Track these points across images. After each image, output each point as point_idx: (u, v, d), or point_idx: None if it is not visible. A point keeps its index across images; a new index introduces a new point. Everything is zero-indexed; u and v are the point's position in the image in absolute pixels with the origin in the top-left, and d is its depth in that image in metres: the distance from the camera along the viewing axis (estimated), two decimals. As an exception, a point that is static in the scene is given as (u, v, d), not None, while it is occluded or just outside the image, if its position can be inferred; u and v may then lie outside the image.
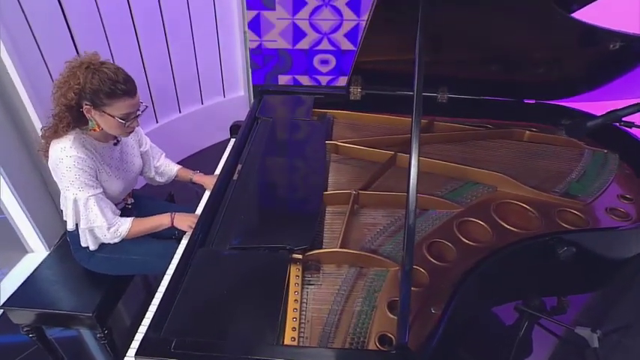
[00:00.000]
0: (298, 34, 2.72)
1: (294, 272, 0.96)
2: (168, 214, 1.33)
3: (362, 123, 1.72)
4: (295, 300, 0.90)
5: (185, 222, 1.31)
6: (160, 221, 1.33)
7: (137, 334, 0.94)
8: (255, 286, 0.88)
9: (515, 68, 1.61)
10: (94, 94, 1.13)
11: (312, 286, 0.97)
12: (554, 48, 1.41)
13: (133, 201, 1.50)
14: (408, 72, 1.70)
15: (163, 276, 1.18)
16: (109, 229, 1.27)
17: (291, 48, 2.77)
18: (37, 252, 2.11)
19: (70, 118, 1.16)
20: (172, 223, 1.32)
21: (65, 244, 1.57)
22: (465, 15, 1.30)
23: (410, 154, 0.87)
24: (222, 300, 0.84)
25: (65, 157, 1.17)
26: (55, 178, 1.25)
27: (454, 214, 1.23)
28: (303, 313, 0.90)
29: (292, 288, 0.92)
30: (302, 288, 0.94)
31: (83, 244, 1.33)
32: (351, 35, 2.74)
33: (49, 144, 1.21)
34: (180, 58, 2.58)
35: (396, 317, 0.90)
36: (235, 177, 1.26)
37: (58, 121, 1.17)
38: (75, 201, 1.22)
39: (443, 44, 1.50)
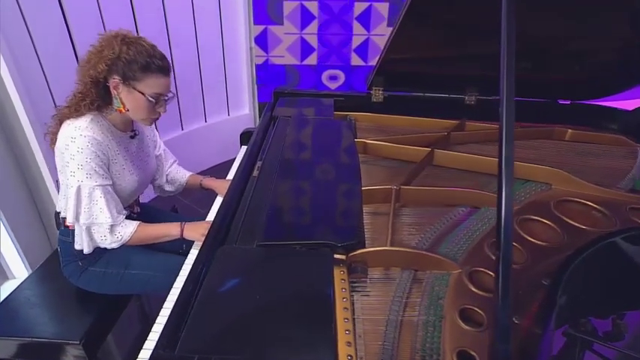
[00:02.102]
0: (306, 49, 2.64)
1: (339, 275, 0.77)
2: (178, 223, 1.15)
3: (386, 125, 1.57)
4: (345, 308, 0.70)
5: (198, 231, 1.12)
6: (168, 230, 1.15)
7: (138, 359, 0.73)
8: (295, 289, 0.69)
9: (550, 65, 1.50)
10: (127, 66, 1.01)
11: (359, 293, 0.78)
12: (600, 36, 1.30)
13: (139, 210, 1.32)
14: (434, 73, 1.63)
15: (168, 292, 0.98)
16: (111, 228, 1.09)
17: (298, 63, 2.69)
18: (20, 279, 1.87)
19: (94, 94, 1.04)
20: (182, 234, 1.13)
21: (51, 263, 1.37)
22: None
23: (500, 171, 0.69)
24: (255, 307, 0.64)
25: (79, 136, 1.03)
26: (59, 163, 1.08)
27: (510, 212, 1.05)
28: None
29: (339, 294, 0.73)
30: (349, 295, 0.75)
31: (77, 246, 1.12)
32: (360, 50, 2.66)
33: (62, 124, 1.07)
34: (184, 74, 2.48)
35: (472, 329, 0.71)
36: (255, 174, 1.09)
37: (80, 99, 1.04)
38: (79, 189, 1.04)
39: (470, 38, 1.39)
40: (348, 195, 0.98)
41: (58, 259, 1.25)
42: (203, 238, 1.09)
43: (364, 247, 0.86)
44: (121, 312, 1.28)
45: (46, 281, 1.30)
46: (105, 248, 1.16)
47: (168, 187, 1.44)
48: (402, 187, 1.06)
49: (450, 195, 1.07)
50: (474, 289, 0.79)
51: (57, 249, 1.25)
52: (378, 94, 1.63)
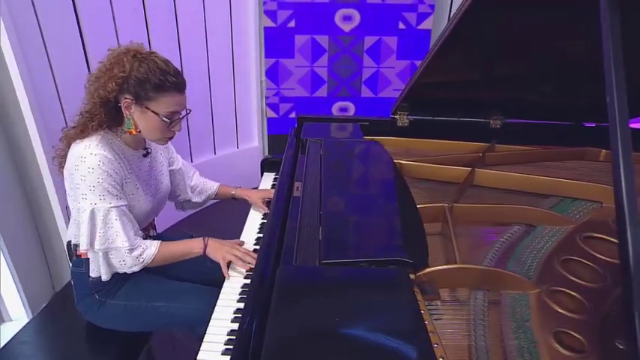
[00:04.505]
0: (317, 81, 2.66)
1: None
2: (201, 238, 1.07)
3: (413, 148, 1.53)
4: (431, 332, 0.62)
5: (220, 251, 1.03)
6: (191, 247, 1.06)
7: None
8: (378, 311, 0.60)
9: (577, 86, 1.50)
10: (139, 85, 0.94)
11: (432, 316, 0.69)
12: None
13: (156, 233, 1.23)
14: (461, 97, 1.62)
15: (205, 327, 0.87)
16: (130, 252, 0.99)
17: (309, 96, 2.70)
18: (18, 321, 1.72)
19: (103, 115, 0.96)
20: (204, 251, 1.05)
21: (56, 304, 1.25)
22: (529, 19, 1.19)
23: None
24: (339, 333, 0.55)
25: (89, 155, 0.94)
26: (69, 187, 1.00)
27: (569, 230, 0.99)
28: (437, 354, 0.62)
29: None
30: (430, 318, 0.66)
31: (93, 274, 1.02)
32: (370, 82, 2.69)
33: (69, 147, 0.99)
34: (195, 107, 2.44)
35: (574, 355, 0.63)
36: (297, 194, 1.02)
37: (89, 119, 0.96)
38: (92, 213, 0.95)
39: (505, 62, 1.39)
40: (405, 213, 0.91)
41: (64, 299, 1.15)
42: (225, 260, 1.01)
43: (430, 266, 0.78)
44: (140, 352, 1.15)
45: (55, 322, 1.18)
46: (124, 278, 1.07)
47: (196, 199, 1.37)
48: (455, 205, 0.99)
49: (505, 212, 1.01)
50: (561, 310, 0.71)
51: (58, 290, 1.14)
52: (403, 119, 1.60)
